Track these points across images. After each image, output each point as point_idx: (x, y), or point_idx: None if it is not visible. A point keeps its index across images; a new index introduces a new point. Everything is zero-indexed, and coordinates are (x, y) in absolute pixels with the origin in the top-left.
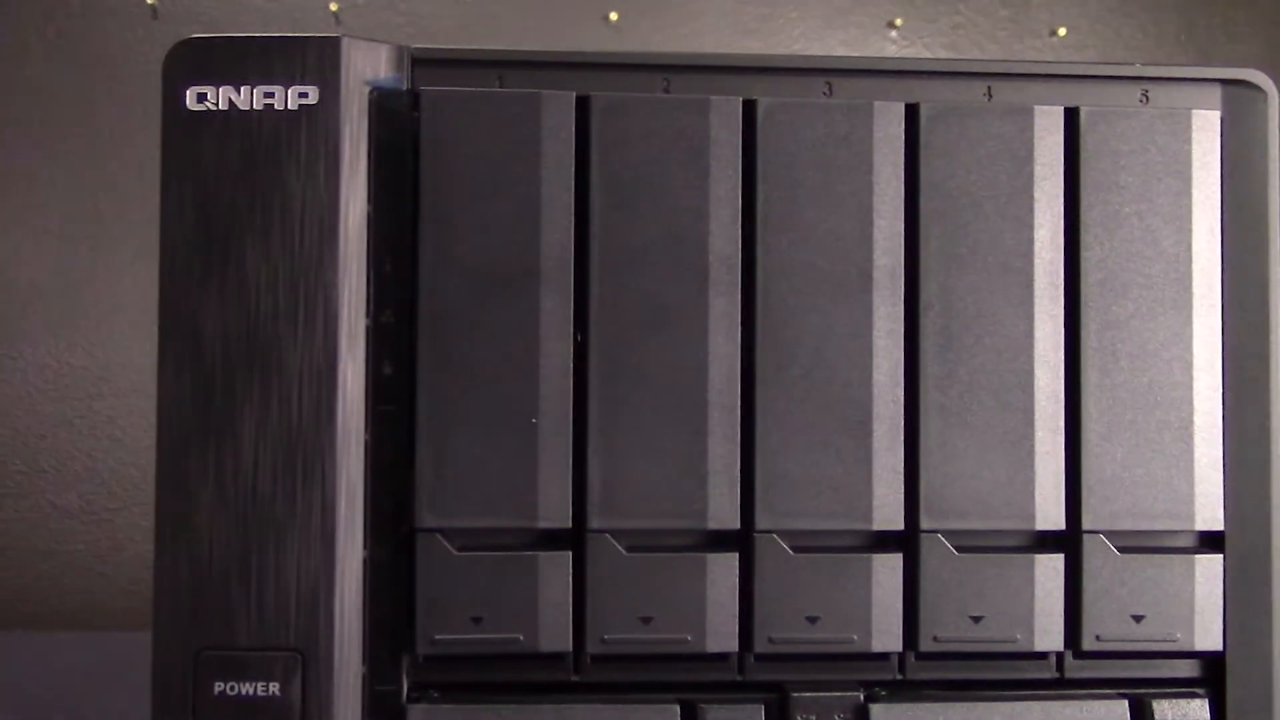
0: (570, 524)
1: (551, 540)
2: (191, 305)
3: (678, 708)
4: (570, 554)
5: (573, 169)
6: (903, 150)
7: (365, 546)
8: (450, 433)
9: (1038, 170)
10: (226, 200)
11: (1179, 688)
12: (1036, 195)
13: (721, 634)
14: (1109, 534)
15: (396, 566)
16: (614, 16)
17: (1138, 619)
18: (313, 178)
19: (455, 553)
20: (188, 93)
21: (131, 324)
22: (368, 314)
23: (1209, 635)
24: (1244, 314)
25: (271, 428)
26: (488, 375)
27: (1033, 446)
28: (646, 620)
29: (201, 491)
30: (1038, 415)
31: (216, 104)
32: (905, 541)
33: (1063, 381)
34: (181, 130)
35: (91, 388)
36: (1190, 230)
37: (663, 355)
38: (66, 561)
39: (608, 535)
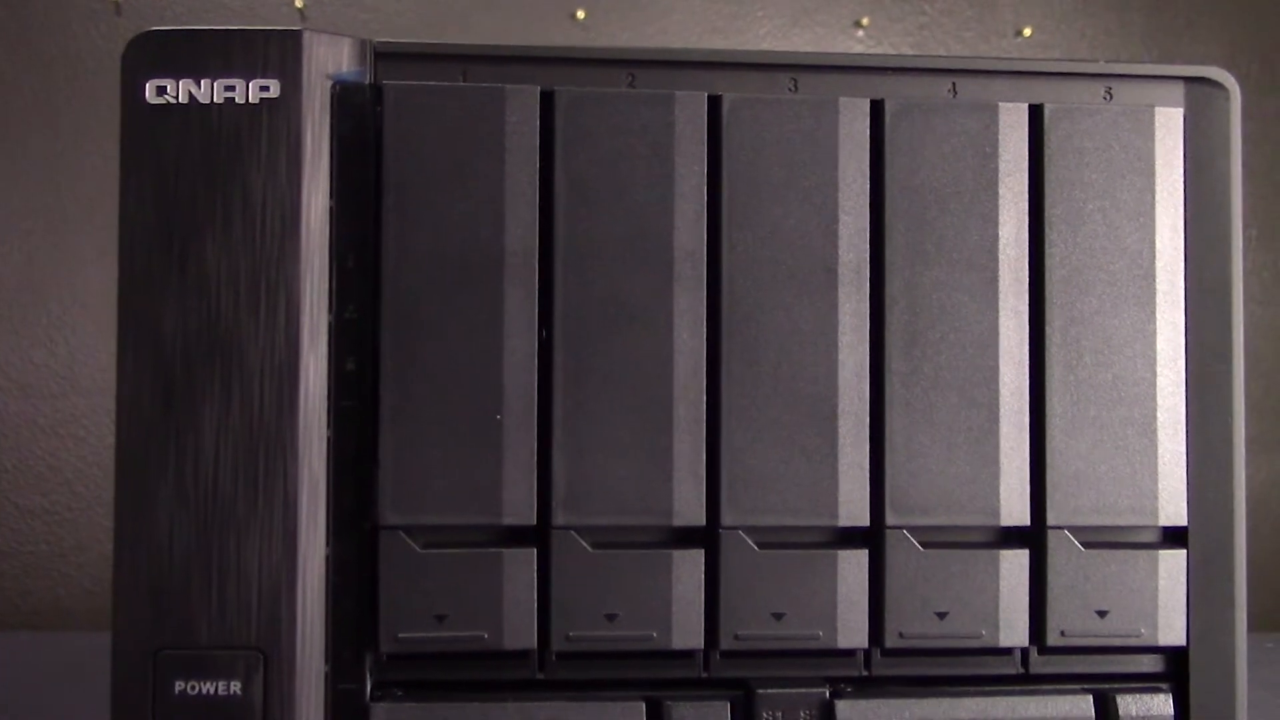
0: (535, 521)
1: (516, 537)
2: (151, 300)
3: (643, 705)
4: (535, 551)
5: (537, 164)
6: (868, 146)
7: (328, 544)
8: (413, 429)
9: (1002, 166)
10: (187, 194)
11: (1143, 682)
12: (1001, 191)
13: (687, 631)
14: (1073, 529)
15: (359, 564)
16: (581, 15)
17: (1102, 614)
18: (274, 172)
19: (419, 550)
20: (147, 86)
21: (95, 321)
22: (330, 309)
23: (1172, 630)
24: (1207, 310)
25: (232, 424)
26: (451, 371)
27: (997, 442)
28: (611, 617)
29: (161, 488)
30: (1002, 411)
31: (176, 97)
32: (871, 538)
33: (1027, 377)
34: (141, 123)
35: (54, 386)
36: (1154, 227)
37: (628, 351)
38: (28, 562)
39: (573, 532)
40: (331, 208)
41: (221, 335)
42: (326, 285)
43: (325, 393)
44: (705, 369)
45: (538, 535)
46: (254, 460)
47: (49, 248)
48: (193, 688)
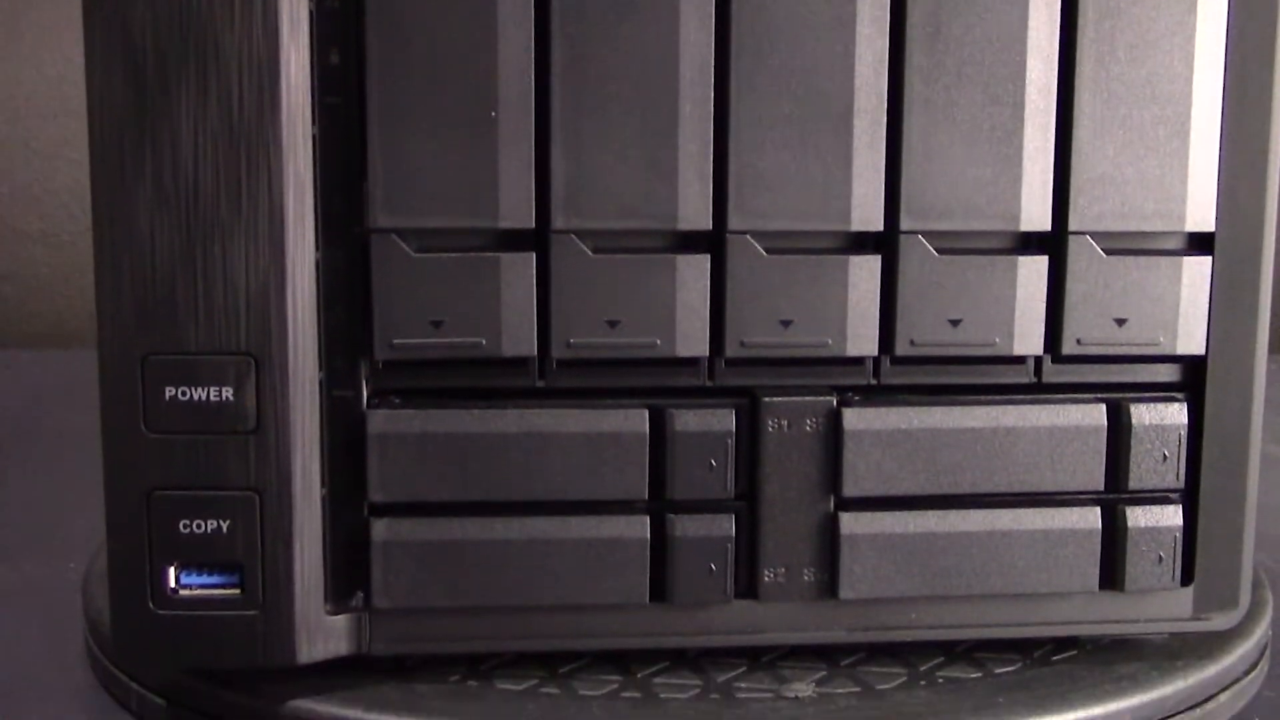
0: (533, 224)
1: (514, 241)
2: None
3: (646, 413)
4: (534, 255)
5: None
6: None
7: (317, 248)
8: (404, 127)
9: None
10: None
11: (1158, 391)
12: None
13: (691, 338)
14: (1096, 235)
15: (351, 269)
16: None
17: (1120, 322)
18: None
19: (413, 254)
20: None
21: (81, 40)
22: None
23: (1192, 339)
24: (1251, 3)
25: (211, 122)
26: (443, 64)
27: (1021, 143)
28: (614, 324)
29: (139, 189)
30: (1028, 110)
31: None
32: (884, 243)
33: (1056, 74)
34: None
35: (45, 108)
36: None
37: (631, 43)
38: (31, 285)
39: (573, 236)
40: None
41: (194, 26)
42: None
43: (309, 87)
44: (713, 63)
45: (536, 239)
46: (236, 159)
47: None
48: (183, 394)
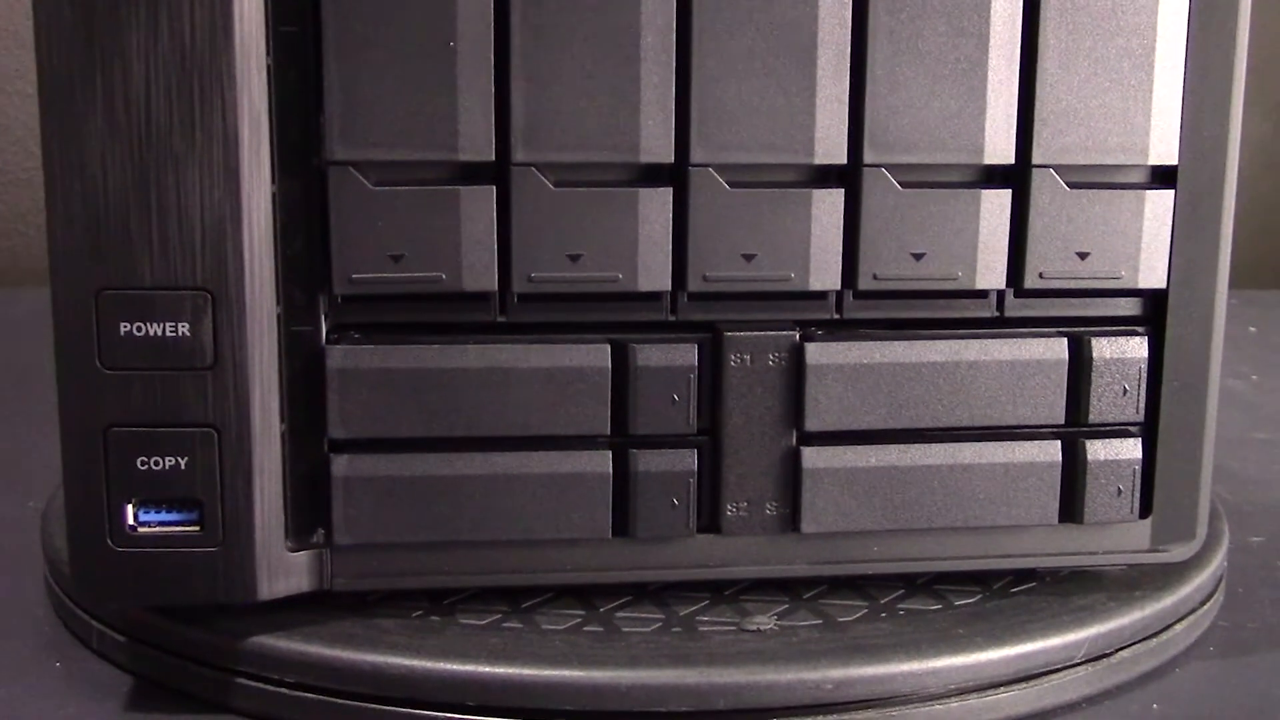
0: (494, 157)
1: (474, 174)
2: None
3: (608, 348)
4: (494, 189)
5: None
6: None
7: (273, 181)
8: (360, 58)
9: None
10: None
11: (1120, 325)
12: None
13: (653, 272)
14: (1059, 168)
15: (309, 202)
16: None
17: (1083, 256)
18: None
19: (371, 187)
20: None
21: None
22: None
23: (1154, 273)
24: None
25: (162, 52)
26: None
27: (985, 75)
28: (575, 258)
29: (90, 122)
30: (992, 41)
31: None
32: (847, 176)
33: (1021, 5)
34: None
35: None
36: None
37: None
38: None
39: (533, 169)
40: None
41: None
42: None
43: (262, 17)
44: None
45: (497, 172)
46: (188, 89)
47: None
48: (138, 329)
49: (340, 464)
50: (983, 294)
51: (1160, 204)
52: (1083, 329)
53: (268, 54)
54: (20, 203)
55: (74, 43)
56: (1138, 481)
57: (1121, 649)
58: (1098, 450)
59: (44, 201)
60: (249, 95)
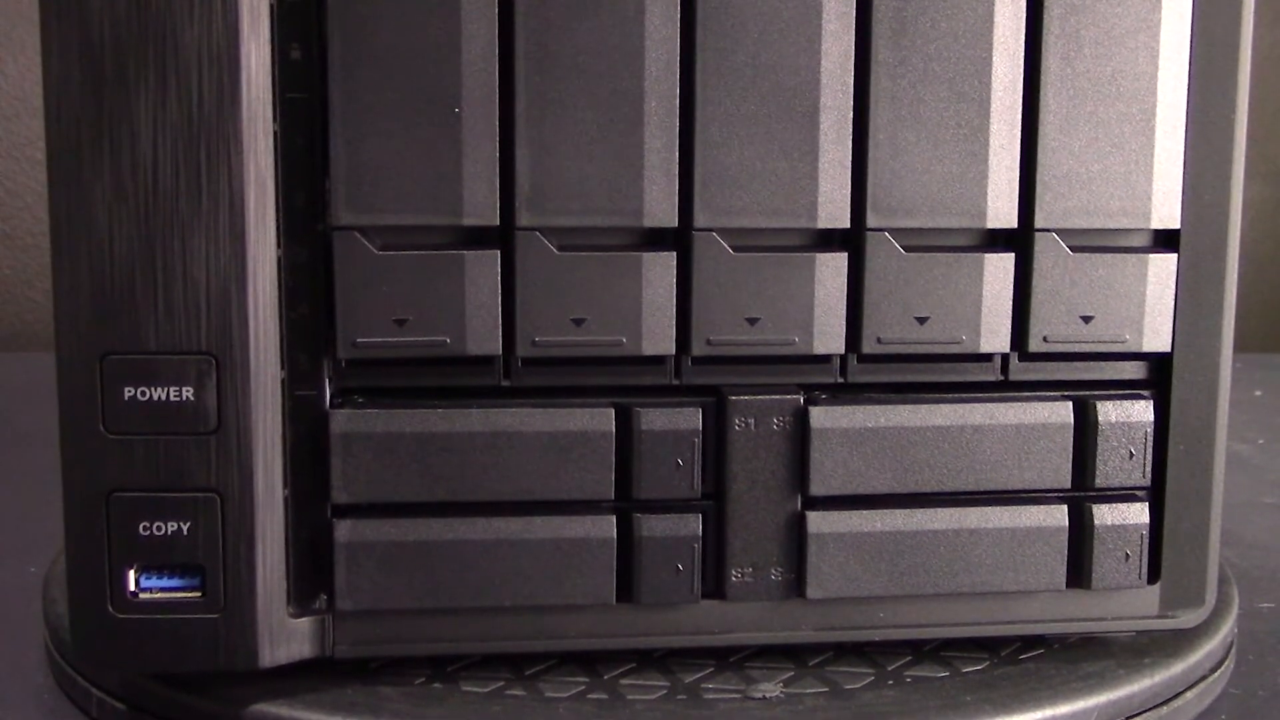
0: (498, 221)
1: (478, 238)
2: None
3: (612, 412)
4: (498, 253)
5: None
6: None
7: (279, 245)
8: (366, 123)
9: None
10: None
11: (1124, 389)
12: None
13: (657, 336)
14: (1061, 232)
15: (314, 267)
16: None
17: (1086, 319)
18: None
19: (376, 252)
20: None
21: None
22: None
23: (1158, 336)
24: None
25: (170, 117)
26: (405, 59)
27: (987, 140)
28: (579, 322)
29: (97, 186)
30: (994, 106)
31: None
32: (850, 240)
33: (1022, 70)
34: None
35: (7, 108)
36: None
37: (595, 38)
38: None
39: (538, 233)
40: None
41: (153, 21)
42: None
43: (269, 83)
44: (679, 59)
45: (501, 236)
46: (195, 155)
47: None
48: (143, 393)
49: (343, 529)
50: (987, 357)
51: (1163, 267)
52: (1087, 393)
53: (275, 120)
54: (28, 267)
55: (83, 107)
56: (1145, 546)
57: (1132, 717)
58: (1104, 514)
59: (46, 266)
60: (255, 160)
